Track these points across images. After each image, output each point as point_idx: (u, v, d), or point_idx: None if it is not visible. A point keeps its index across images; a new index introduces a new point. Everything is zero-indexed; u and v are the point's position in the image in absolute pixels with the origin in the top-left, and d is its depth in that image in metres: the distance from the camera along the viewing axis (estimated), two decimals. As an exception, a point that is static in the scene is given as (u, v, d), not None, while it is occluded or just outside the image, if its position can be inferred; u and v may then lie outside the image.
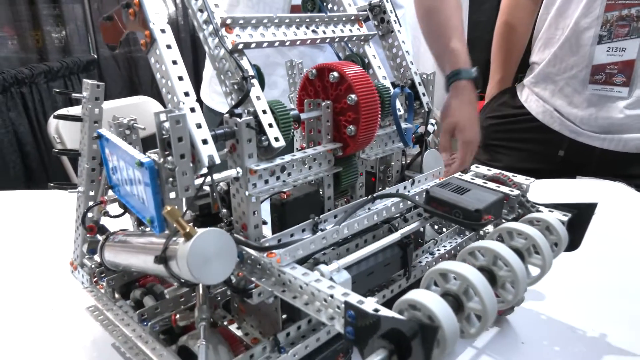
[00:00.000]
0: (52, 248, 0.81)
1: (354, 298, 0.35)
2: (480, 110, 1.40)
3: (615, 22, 1.02)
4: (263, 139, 0.44)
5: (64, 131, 1.83)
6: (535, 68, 1.20)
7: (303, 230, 0.45)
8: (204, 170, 0.40)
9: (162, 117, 0.38)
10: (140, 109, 1.97)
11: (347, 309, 0.34)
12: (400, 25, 0.62)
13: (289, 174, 0.46)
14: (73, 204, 0.59)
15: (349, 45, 0.58)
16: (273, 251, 0.41)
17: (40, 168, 2.17)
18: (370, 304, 0.34)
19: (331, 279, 0.41)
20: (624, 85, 1.03)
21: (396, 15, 0.61)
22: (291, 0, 0.94)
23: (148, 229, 0.54)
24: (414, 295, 0.33)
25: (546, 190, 1.04)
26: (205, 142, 0.40)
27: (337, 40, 0.55)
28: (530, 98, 1.21)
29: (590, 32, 1.05)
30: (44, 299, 0.68)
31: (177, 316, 0.48)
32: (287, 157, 0.45)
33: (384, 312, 0.33)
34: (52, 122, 1.82)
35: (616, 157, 1.08)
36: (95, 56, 2.89)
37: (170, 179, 0.40)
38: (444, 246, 0.60)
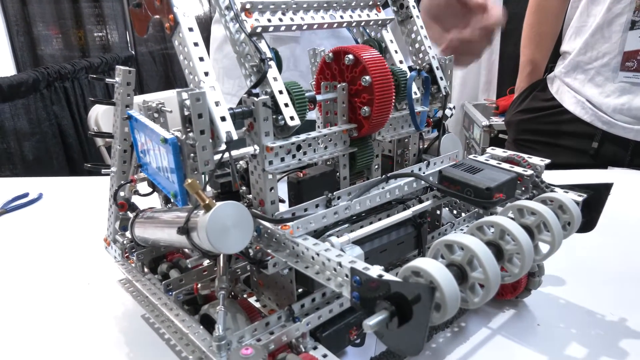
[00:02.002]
0: (90, 228, 0.86)
1: (360, 265, 0.36)
2: (509, 106, 1.38)
3: None
4: (279, 118, 0.46)
5: (102, 123, 1.92)
6: (567, 57, 1.17)
7: (317, 206, 0.47)
8: (223, 146, 0.43)
9: (184, 95, 0.41)
10: (175, 103, 2.04)
11: (352, 274, 0.36)
12: (419, 11, 0.62)
13: (304, 153, 0.48)
14: (107, 187, 0.63)
15: (367, 30, 0.59)
16: (287, 223, 0.43)
17: (80, 158, 2.29)
18: (375, 270, 0.35)
19: (342, 249, 0.42)
20: None
21: (415, 1, 0.62)
22: None
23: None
24: (416, 262, 0.34)
25: (576, 181, 1.02)
26: (223, 119, 0.42)
27: (354, 24, 0.56)
28: (562, 89, 1.18)
29: (622, 19, 1.03)
30: (81, 274, 0.73)
31: (199, 285, 0.51)
32: (303, 136, 0.48)
33: (388, 277, 0.34)
34: (92, 114, 1.91)
35: None
36: (133, 52, 3.00)
37: (192, 155, 0.43)
38: (461, 229, 0.61)
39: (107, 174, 0.62)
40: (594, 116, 1.11)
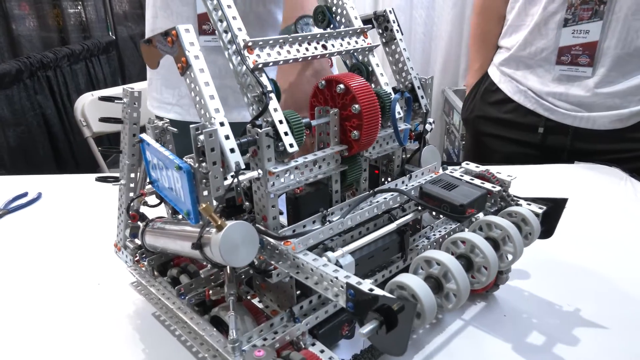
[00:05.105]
0: (93, 227, 0.91)
1: (354, 280, 0.43)
2: (463, 105, 1.48)
3: (579, 5, 1.10)
4: (279, 145, 0.52)
5: (89, 113, 1.94)
6: (505, 53, 1.28)
7: (314, 222, 0.53)
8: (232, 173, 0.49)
9: (198, 131, 0.47)
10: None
11: (348, 288, 0.43)
12: (402, 34, 0.68)
13: (302, 173, 0.55)
14: (108, 190, 0.68)
15: (355, 54, 0.65)
16: (289, 240, 0.50)
17: (66, 148, 2.29)
18: (366, 285, 0.42)
19: (337, 262, 0.49)
20: (588, 66, 1.12)
21: (398, 25, 0.68)
22: (196, 9, 1.02)
23: (180, 216, 0.63)
24: (401, 278, 0.42)
25: (545, 175, 1.11)
26: (232, 150, 0.48)
27: (344, 53, 0.62)
28: (503, 79, 1.29)
29: (557, 17, 1.13)
30: (91, 275, 0.79)
31: (210, 291, 0.57)
32: (300, 160, 0.54)
33: (377, 291, 0.41)
34: (78, 106, 1.92)
35: (588, 135, 1.17)
36: (114, 37, 2.97)
37: (204, 180, 0.49)
38: (439, 231, 0.68)
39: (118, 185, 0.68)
40: (536, 104, 1.21)
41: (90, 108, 1.91)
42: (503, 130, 1.29)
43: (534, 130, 1.23)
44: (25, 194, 1.08)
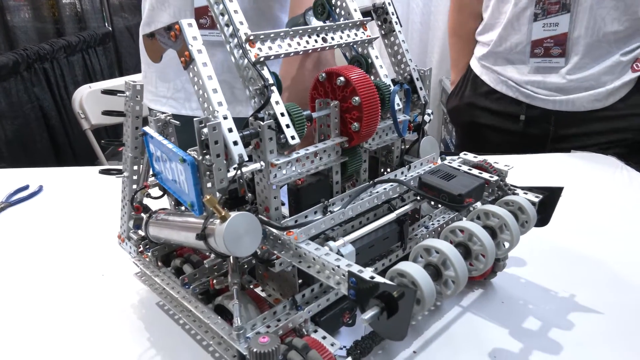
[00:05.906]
0: (94, 219, 0.92)
1: (355, 268, 0.45)
2: (448, 98, 1.50)
3: (547, 0, 1.15)
4: (281, 137, 0.53)
5: (87, 105, 1.94)
6: (484, 48, 1.31)
7: (315, 212, 0.55)
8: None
9: (202, 124, 0.48)
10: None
11: (349, 276, 0.44)
12: (401, 26, 0.69)
13: (303, 165, 0.56)
14: (109, 182, 0.68)
15: (354, 47, 0.66)
16: (291, 230, 0.51)
17: (65, 141, 2.29)
18: (367, 273, 0.44)
19: (338, 251, 0.51)
20: (560, 56, 1.17)
21: (397, 17, 0.69)
22: (194, 3, 1.01)
23: (183, 207, 0.64)
24: (401, 265, 0.43)
25: (541, 164, 1.13)
26: (235, 143, 0.49)
27: (344, 45, 0.62)
28: (485, 71, 1.32)
29: (527, 12, 1.17)
30: (95, 266, 0.80)
31: (214, 281, 0.59)
32: (302, 152, 0.55)
33: (378, 279, 0.42)
34: (76, 98, 1.92)
35: (570, 118, 1.21)
36: (110, 29, 2.95)
37: (208, 173, 0.50)
38: (438, 221, 0.70)
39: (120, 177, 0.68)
40: (517, 92, 1.25)
41: (89, 100, 1.92)
42: (488, 120, 1.33)
43: (516, 118, 1.27)
44: (26, 187, 1.09)
